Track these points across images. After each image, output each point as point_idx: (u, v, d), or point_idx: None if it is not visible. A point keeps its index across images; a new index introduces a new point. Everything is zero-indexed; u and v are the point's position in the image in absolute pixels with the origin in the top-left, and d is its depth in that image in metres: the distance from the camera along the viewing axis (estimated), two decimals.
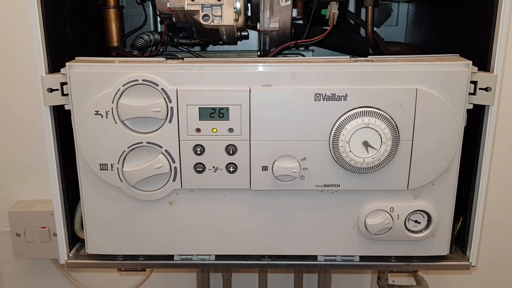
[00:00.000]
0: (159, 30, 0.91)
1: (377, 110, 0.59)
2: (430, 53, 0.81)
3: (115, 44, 0.84)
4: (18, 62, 0.98)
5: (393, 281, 1.09)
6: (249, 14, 0.74)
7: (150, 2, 0.87)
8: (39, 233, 1.05)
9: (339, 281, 1.16)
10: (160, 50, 0.84)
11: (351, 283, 1.17)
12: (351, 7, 0.90)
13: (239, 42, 0.88)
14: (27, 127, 1.03)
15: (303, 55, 0.89)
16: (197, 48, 0.92)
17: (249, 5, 0.72)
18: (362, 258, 0.69)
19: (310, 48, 0.90)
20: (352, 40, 0.89)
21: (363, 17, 0.89)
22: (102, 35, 0.84)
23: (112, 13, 0.83)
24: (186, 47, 0.87)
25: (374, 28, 0.93)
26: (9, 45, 0.97)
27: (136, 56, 0.78)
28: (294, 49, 0.81)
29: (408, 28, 0.94)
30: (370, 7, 0.79)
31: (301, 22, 0.78)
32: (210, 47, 0.93)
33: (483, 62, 0.63)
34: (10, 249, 1.07)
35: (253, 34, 0.84)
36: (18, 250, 1.06)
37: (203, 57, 0.85)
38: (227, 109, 0.61)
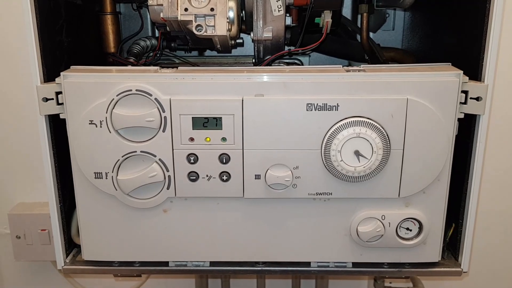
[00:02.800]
0: (156, 35, 0.91)
1: (368, 120, 0.60)
2: (425, 59, 0.82)
3: (112, 50, 0.85)
4: (20, 64, 0.99)
5: (390, 283, 1.10)
6: (244, 19, 0.74)
7: (146, 9, 0.88)
8: (39, 235, 1.06)
9: (336, 285, 1.17)
10: (158, 55, 0.85)
11: (349, 287, 1.18)
12: (348, 14, 0.90)
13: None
14: (27, 130, 1.04)
15: (300, 60, 0.89)
16: (194, 53, 0.93)
17: (243, 12, 0.72)
18: (355, 264, 0.70)
19: (307, 53, 0.90)
20: (348, 45, 0.89)
21: (359, 23, 0.90)
22: (99, 41, 0.85)
23: (109, 20, 0.84)
24: (183, 51, 0.88)
25: (371, 33, 0.94)
26: (12, 47, 0.99)
27: (132, 63, 0.79)
28: (287, 57, 0.81)
29: (405, 33, 0.94)
30: (365, 14, 0.80)
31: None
32: (208, 52, 0.94)
33: (474, 71, 0.63)
34: (10, 251, 1.08)
35: (249, 40, 0.85)
36: (18, 252, 1.08)
37: (199, 64, 0.86)
38: (220, 118, 0.61)
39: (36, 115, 0.99)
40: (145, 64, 0.82)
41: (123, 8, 0.90)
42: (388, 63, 0.84)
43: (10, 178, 1.09)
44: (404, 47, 0.94)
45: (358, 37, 0.92)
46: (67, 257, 0.71)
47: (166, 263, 0.71)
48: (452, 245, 0.72)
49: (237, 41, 0.73)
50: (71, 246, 0.73)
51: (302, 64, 0.86)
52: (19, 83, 1.01)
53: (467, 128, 0.65)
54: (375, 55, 0.83)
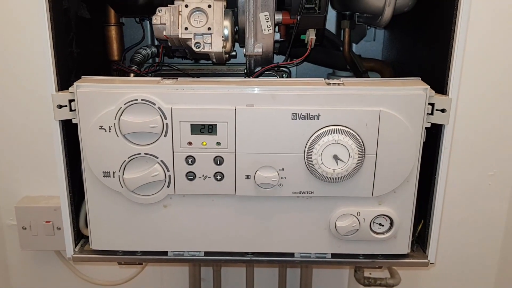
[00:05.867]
0: (156, 43, 0.98)
1: (345, 128, 0.67)
2: (401, 70, 0.90)
3: (116, 58, 0.92)
4: (26, 72, 1.06)
5: (370, 274, 1.18)
6: (237, 33, 0.82)
7: (148, 21, 0.95)
8: (44, 226, 1.12)
9: (320, 275, 1.24)
10: (159, 64, 0.92)
11: (331, 277, 1.25)
12: (332, 28, 0.98)
13: None
14: (33, 130, 1.10)
15: (288, 69, 0.97)
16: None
17: (237, 27, 0.79)
18: (334, 255, 0.77)
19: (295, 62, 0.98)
20: (332, 56, 0.96)
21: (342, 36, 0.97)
22: (104, 50, 0.92)
23: (113, 30, 0.90)
24: (181, 58, 0.95)
25: (354, 44, 1.02)
26: (22, 58, 1.05)
27: (135, 71, 0.86)
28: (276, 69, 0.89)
29: (384, 45, 1.02)
30: (347, 29, 0.88)
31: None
32: (203, 60, 1.01)
33: (441, 85, 0.71)
34: (16, 241, 1.14)
35: (241, 52, 0.92)
36: (24, 242, 1.14)
37: (196, 72, 0.93)
38: (215, 125, 0.68)
39: (42, 114, 1.07)
40: (147, 73, 0.89)
41: (126, 19, 0.97)
42: (368, 73, 0.91)
43: (16, 173, 1.14)
44: (384, 58, 1.02)
45: None
46: (76, 247, 0.79)
47: (165, 253, 0.78)
48: (421, 239, 0.80)
49: (231, 54, 0.80)
50: (79, 237, 0.80)
51: (290, 73, 0.93)
52: (22, 87, 1.07)
53: (434, 135, 0.72)
54: (356, 66, 0.91)
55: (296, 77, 1.04)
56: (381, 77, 0.95)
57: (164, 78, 0.73)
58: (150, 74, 0.88)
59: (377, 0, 0.74)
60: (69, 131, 0.72)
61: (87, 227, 0.78)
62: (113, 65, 0.91)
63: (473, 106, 1.10)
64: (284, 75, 0.92)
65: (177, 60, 0.97)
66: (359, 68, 0.89)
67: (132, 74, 0.86)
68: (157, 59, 0.95)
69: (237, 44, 0.81)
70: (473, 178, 1.16)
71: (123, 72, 0.88)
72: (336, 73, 0.99)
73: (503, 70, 1.07)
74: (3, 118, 1.10)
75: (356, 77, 0.91)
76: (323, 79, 0.73)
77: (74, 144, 0.72)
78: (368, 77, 0.90)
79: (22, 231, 1.13)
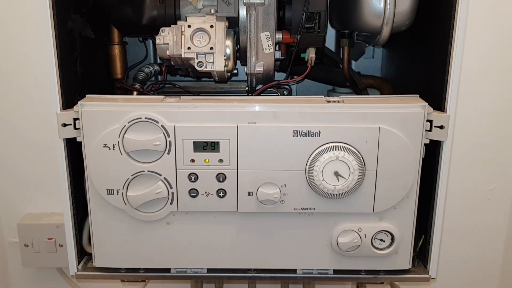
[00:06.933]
0: (159, 61, 1.00)
1: (346, 145, 0.68)
2: (400, 86, 0.92)
3: (119, 76, 0.93)
4: (26, 91, 1.07)
5: None
6: (238, 52, 0.83)
7: (151, 40, 0.97)
8: (46, 244, 1.12)
9: None
10: (162, 82, 0.94)
11: None
12: (331, 45, 1.00)
13: None
14: (35, 147, 1.11)
15: (289, 86, 0.98)
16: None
17: (238, 46, 0.81)
18: (336, 271, 0.78)
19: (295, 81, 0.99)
20: (332, 73, 0.98)
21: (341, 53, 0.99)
22: (107, 68, 0.93)
23: (116, 49, 0.92)
24: (184, 75, 0.97)
25: (354, 61, 1.04)
26: (30, 68, 1.06)
27: (138, 89, 0.87)
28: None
29: (383, 62, 1.04)
30: (346, 47, 0.89)
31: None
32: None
33: (439, 102, 0.72)
34: (18, 258, 1.14)
35: (242, 69, 0.94)
36: (26, 260, 1.14)
37: (198, 89, 0.94)
38: (218, 143, 0.69)
39: (45, 132, 1.08)
40: (150, 91, 0.90)
41: (129, 38, 0.99)
42: (367, 89, 0.93)
43: (18, 190, 1.15)
44: (382, 74, 1.03)
45: None
46: (79, 264, 0.79)
47: (168, 270, 0.78)
48: (422, 254, 0.80)
49: (233, 72, 0.81)
50: (82, 254, 0.81)
51: (291, 90, 0.95)
52: (26, 105, 1.08)
53: (433, 151, 0.73)
54: (355, 83, 0.92)
55: (296, 93, 1.06)
56: (380, 93, 0.96)
57: (167, 96, 0.74)
58: (153, 92, 0.90)
59: (375, 19, 0.75)
60: (73, 148, 0.73)
61: (90, 244, 0.78)
62: (117, 83, 0.92)
63: (471, 121, 1.11)
64: (284, 91, 0.94)
65: (179, 77, 0.99)
66: (358, 85, 0.91)
67: (135, 92, 0.88)
68: (159, 77, 0.97)
69: (238, 62, 0.83)
70: (473, 193, 1.17)
71: (126, 90, 0.90)
72: (336, 90, 1.01)
73: (501, 86, 1.09)
74: (6, 135, 1.11)
75: (356, 93, 0.93)
76: (323, 96, 0.75)
77: (77, 162, 0.73)
78: (368, 93, 0.92)
79: (24, 248, 1.14)
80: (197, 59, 0.70)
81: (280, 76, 0.92)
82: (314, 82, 1.03)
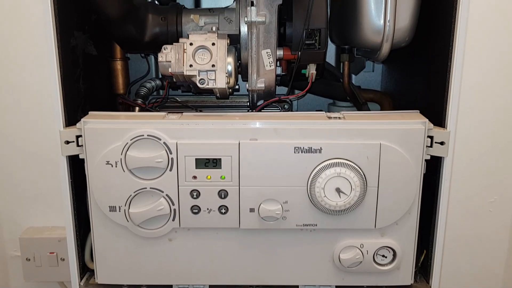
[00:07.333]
0: (160, 76, 1.00)
1: (347, 162, 0.69)
2: (400, 100, 0.92)
3: (121, 91, 0.94)
4: (29, 100, 1.07)
5: None
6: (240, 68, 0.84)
7: (153, 56, 0.97)
8: (48, 258, 1.12)
9: None
10: (164, 98, 0.94)
11: None
12: (332, 60, 1.00)
13: None
14: (38, 159, 1.11)
15: (290, 100, 0.98)
16: None
17: (239, 62, 0.81)
18: (338, 287, 0.78)
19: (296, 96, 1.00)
20: (333, 87, 0.99)
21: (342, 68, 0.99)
22: (109, 83, 0.94)
23: (118, 65, 0.93)
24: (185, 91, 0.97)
25: (354, 75, 1.04)
26: (33, 85, 1.06)
27: (140, 105, 0.88)
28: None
29: (383, 75, 1.04)
30: (346, 62, 0.90)
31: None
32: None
33: (439, 118, 0.73)
34: (20, 272, 1.13)
35: (244, 85, 0.94)
36: (28, 273, 1.13)
37: (200, 104, 0.95)
38: (220, 159, 0.70)
39: (46, 146, 1.08)
40: (152, 107, 0.91)
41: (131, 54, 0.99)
42: (367, 104, 0.93)
43: (20, 204, 1.15)
44: (382, 88, 1.04)
45: None
46: (81, 280, 0.79)
47: (170, 286, 0.78)
48: (424, 269, 0.80)
49: (234, 88, 0.82)
50: (85, 270, 0.81)
51: (292, 104, 0.95)
52: (29, 121, 1.08)
53: (434, 167, 0.74)
54: (355, 97, 0.93)
55: (297, 107, 1.06)
56: (381, 107, 0.97)
57: (169, 113, 0.75)
58: (155, 108, 0.90)
59: (375, 36, 0.76)
60: (75, 165, 0.74)
61: (92, 260, 0.78)
62: (119, 99, 0.92)
63: (472, 136, 1.11)
64: (286, 106, 0.94)
65: (181, 91, 0.99)
66: (358, 100, 0.91)
67: (137, 108, 0.88)
68: (161, 91, 0.97)
69: (239, 77, 0.84)
70: (474, 205, 1.16)
71: (128, 106, 0.90)
72: (337, 104, 1.01)
73: (502, 101, 1.09)
74: (9, 150, 1.11)
75: (356, 107, 0.93)
76: (324, 112, 0.75)
77: (80, 178, 0.74)
78: (368, 107, 0.92)
79: (26, 262, 1.13)
80: (199, 76, 0.71)
81: (281, 89, 0.93)
82: (314, 96, 1.03)
